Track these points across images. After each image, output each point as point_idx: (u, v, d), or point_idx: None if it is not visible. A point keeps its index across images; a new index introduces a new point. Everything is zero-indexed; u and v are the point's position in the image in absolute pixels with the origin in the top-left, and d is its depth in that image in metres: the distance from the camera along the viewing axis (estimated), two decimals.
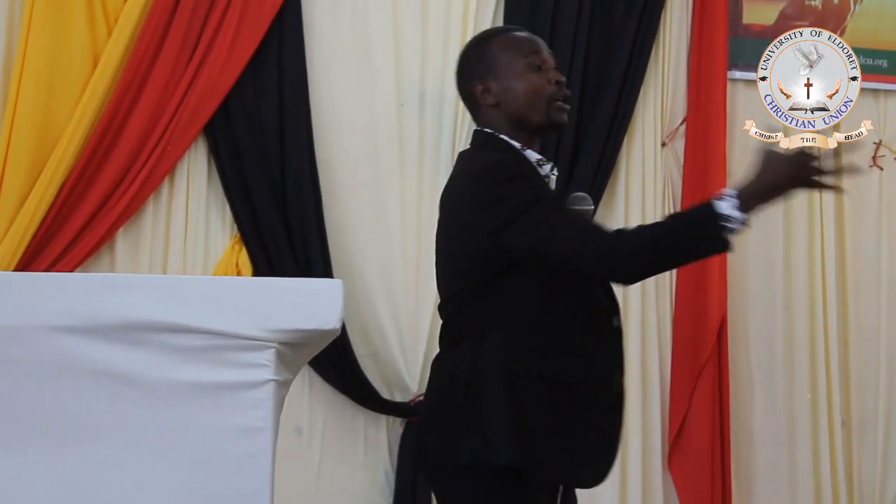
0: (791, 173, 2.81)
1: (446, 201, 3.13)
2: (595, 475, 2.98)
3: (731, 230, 2.79)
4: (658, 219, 3.03)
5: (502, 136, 3.07)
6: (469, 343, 3.00)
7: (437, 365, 3.17)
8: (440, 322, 3.18)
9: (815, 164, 2.82)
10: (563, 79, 3.09)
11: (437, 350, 5.57)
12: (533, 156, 3.06)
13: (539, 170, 3.05)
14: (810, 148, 2.85)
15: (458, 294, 3.08)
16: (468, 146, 3.18)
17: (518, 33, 3.17)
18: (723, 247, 2.83)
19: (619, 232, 2.87)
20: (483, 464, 2.91)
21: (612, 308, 3.07)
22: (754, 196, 2.80)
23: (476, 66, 3.12)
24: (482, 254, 2.96)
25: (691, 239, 2.86)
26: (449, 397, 3.00)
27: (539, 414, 2.91)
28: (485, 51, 3.12)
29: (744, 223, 2.79)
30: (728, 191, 2.80)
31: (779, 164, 2.82)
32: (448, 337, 3.14)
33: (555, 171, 3.11)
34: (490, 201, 2.91)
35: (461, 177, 3.08)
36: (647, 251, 2.85)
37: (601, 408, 3.00)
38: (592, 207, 3.04)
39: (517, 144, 3.06)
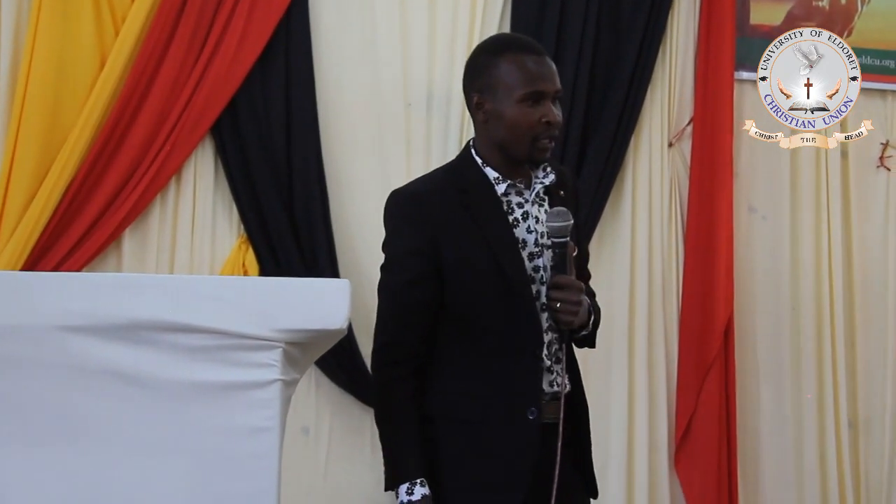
0: None
1: None
2: None
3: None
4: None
5: (473, 149, 3.16)
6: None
7: None
8: None
9: None
10: (557, 119, 3.08)
11: None
12: (491, 173, 3.11)
13: (496, 186, 3.09)
14: None
15: None
16: None
17: (529, 54, 3.11)
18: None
19: (388, 367, 3.15)
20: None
21: (534, 343, 3.08)
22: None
23: (479, 78, 3.12)
24: None
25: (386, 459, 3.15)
26: None
27: (436, 459, 3.06)
28: (490, 64, 3.10)
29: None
30: (418, 492, 3.02)
31: None
32: None
33: (543, 181, 3.14)
34: (385, 228, 3.22)
35: None
36: (376, 405, 3.22)
37: (505, 444, 3.04)
38: (570, 222, 3.03)
39: (479, 160, 3.13)
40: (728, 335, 5.83)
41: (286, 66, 5.42)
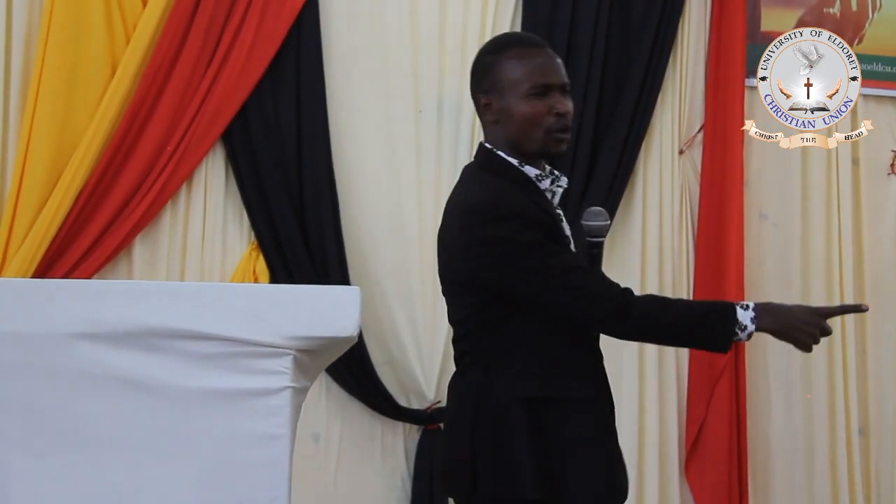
0: (801, 330, 2.96)
1: (443, 233, 3.12)
2: (617, 494, 3.02)
3: (738, 336, 2.90)
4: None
5: (500, 152, 3.04)
6: (480, 369, 3.01)
7: (452, 389, 3.17)
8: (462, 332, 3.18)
9: (818, 336, 2.99)
10: (567, 109, 3.03)
11: (453, 356, 5.58)
12: (531, 171, 3.03)
13: (538, 184, 3.03)
14: (829, 328, 3.00)
15: (463, 321, 3.09)
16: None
17: (532, 49, 3.09)
18: (723, 350, 2.94)
19: (626, 294, 2.91)
20: (507, 497, 2.92)
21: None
22: (771, 320, 2.92)
23: (484, 78, 3.08)
24: (482, 288, 2.96)
25: (700, 333, 2.94)
26: (463, 423, 3.00)
27: (559, 439, 2.91)
28: (494, 63, 3.06)
29: (749, 336, 2.92)
30: (750, 303, 2.90)
31: (800, 318, 2.96)
32: (460, 362, 3.15)
33: (560, 184, 3.09)
34: (480, 241, 2.91)
35: (455, 212, 3.07)
36: (654, 328, 2.94)
37: (609, 426, 3.04)
38: (608, 222, 3.01)
39: (514, 161, 3.03)
40: (738, 343, 5.81)
41: (297, 72, 5.43)
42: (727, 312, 2.88)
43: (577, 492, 2.91)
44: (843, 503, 5.93)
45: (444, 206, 5.63)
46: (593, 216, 3.01)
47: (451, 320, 3.17)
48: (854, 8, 6.16)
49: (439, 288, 5.31)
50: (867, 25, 6.16)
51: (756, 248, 6.00)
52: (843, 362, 5.96)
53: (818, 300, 5.97)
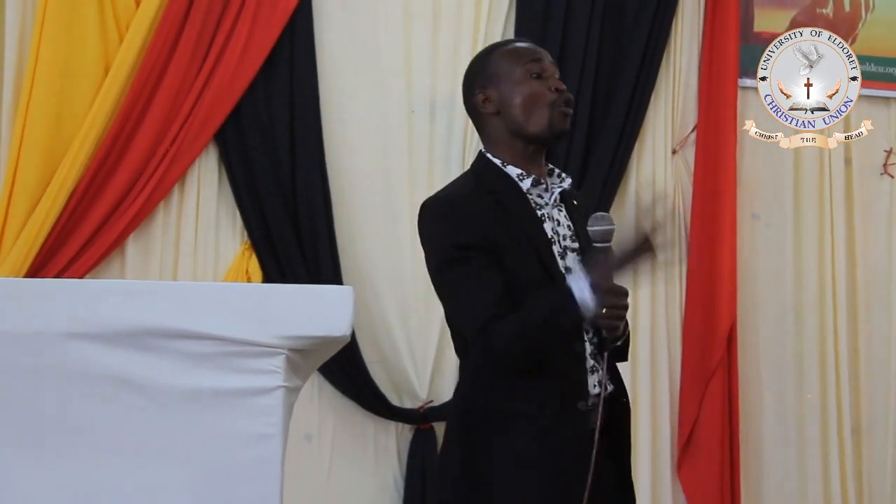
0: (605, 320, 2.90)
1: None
2: None
3: (576, 309, 2.84)
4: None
5: (489, 154, 3.10)
6: (462, 371, 3.09)
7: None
8: (449, 329, 3.20)
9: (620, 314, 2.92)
10: (564, 87, 3.09)
11: (445, 356, 5.63)
12: (513, 171, 3.06)
13: (519, 184, 3.06)
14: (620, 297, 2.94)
15: (451, 329, 3.14)
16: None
17: (519, 44, 3.19)
18: (573, 324, 2.89)
19: (493, 316, 2.87)
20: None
21: (576, 338, 3.04)
22: (599, 280, 2.87)
23: (478, 77, 3.13)
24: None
25: (550, 325, 2.90)
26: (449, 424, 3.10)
27: (488, 454, 2.93)
28: (486, 62, 3.14)
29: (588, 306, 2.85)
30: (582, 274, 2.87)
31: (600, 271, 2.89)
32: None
33: (562, 185, 3.12)
34: (426, 239, 3.02)
35: None
36: (515, 340, 2.89)
37: (562, 439, 2.96)
38: (613, 227, 3.02)
39: (498, 161, 3.07)
40: (731, 341, 5.83)
41: (290, 73, 5.43)
42: (561, 293, 2.87)
43: None
44: (835, 501, 5.95)
45: None
46: (598, 221, 3.01)
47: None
48: (847, 8, 6.17)
49: (431, 288, 5.33)
50: (860, 26, 6.18)
51: (749, 248, 6.01)
52: (835, 361, 5.98)
53: (811, 300, 6.00)
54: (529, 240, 3.01)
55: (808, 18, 6.10)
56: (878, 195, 6.18)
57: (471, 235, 2.92)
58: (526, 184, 3.06)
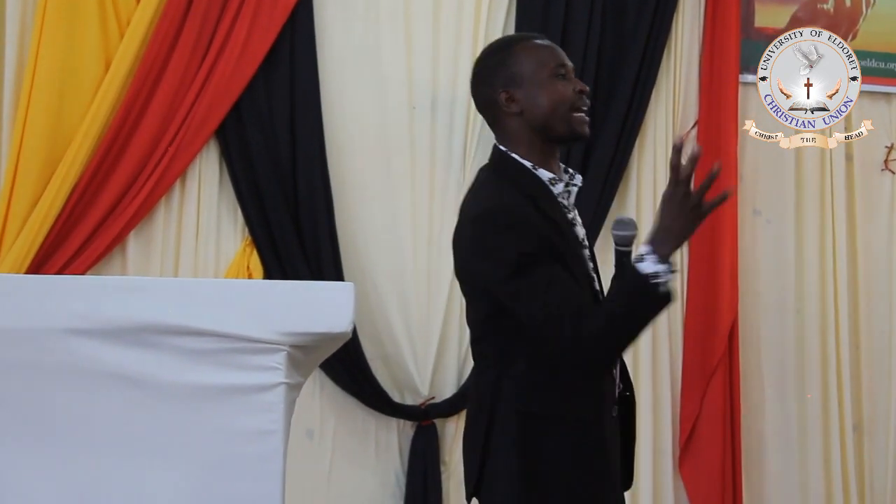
0: (678, 212, 2.85)
1: (456, 239, 3.09)
2: None
3: (665, 282, 2.80)
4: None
5: (514, 155, 3.03)
6: (493, 374, 2.99)
7: (473, 386, 3.20)
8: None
9: (689, 192, 2.87)
10: (587, 88, 3.06)
11: (447, 352, 5.61)
12: (545, 175, 3.02)
13: (552, 188, 3.02)
14: (681, 178, 2.87)
15: (480, 323, 3.06)
16: (487, 160, 3.15)
17: (539, 41, 3.11)
18: (666, 301, 2.84)
19: (578, 319, 2.83)
20: None
21: None
22: (665, 243, 2.82)
23: (498, 74, 3.05)
24: (486, 298, 2.95)
25: (637, 310, 2.85)
26: (479, 426, 3.00)
27: (547, 456, 2.91)
28: (507, 58, 3.06)
29: (671, 271, 2.81)
30: (642, 248, 2.81)
31: (669, 209, 2.85)
32: (477, 362, 3.13)
33: (575, 182, 3.09)
34: (487, 250, 2.90)
35: (467, 216, 3.03)
36: (607, 338, 2.85)
37: (603, 448, 2.99)
38: (635, 233, 3.02)
39: (528, 164, 3.02)
40: (732, 338, 5.82)
41: (291, 69, 5.42)
42: (639, 281, 2.80)
43: None
44: (836, 498, 5.94)
45: (437, 200, 5.68)
46: (622, 227, 3.02)
47: (468, 320, 3.14)
48: (848, 4, 6.16)
49: (433, 283, 5.33)
50: (861, 21, 6.16)
51: (750, 244, 6.00)
52: (836, 358, 5.97)
53: (812, 297, 5.99)
54: (571, 245, 3.02)
55: (808, 14, 6.09)
56: (880, 191, 6.17)
57: (536, 242, 2.88)
58: (558, 188, 3.03)
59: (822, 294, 6.01)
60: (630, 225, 3.02)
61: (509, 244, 2.86)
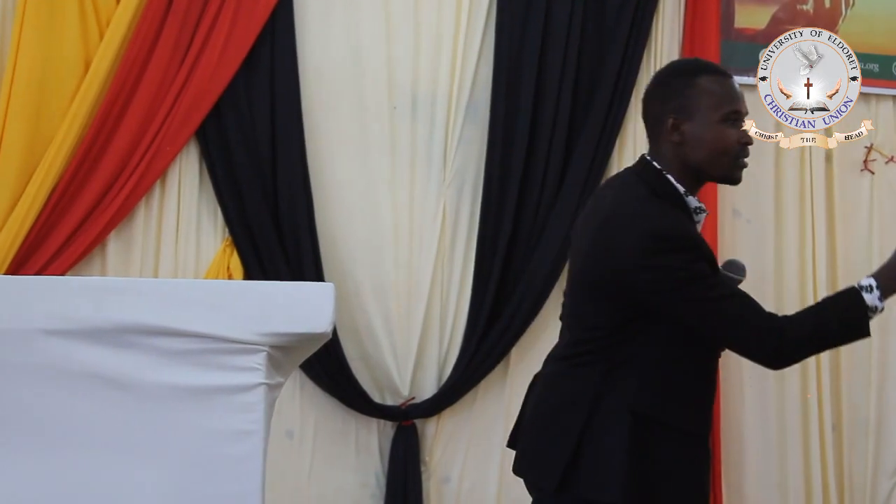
0: None
1: (597, 236, 3.03)
2: None
3: (871, 318, 2.94)
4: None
5: (669, 176, 3.03)
6: (594, 373, 2.99)
7: (555, 382, 3.14)
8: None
9: None
10: (752, 141, 3.08)
11: (427, 353, 5.59)
12: (693, 202, 3.04)
13: (695, 217, 3.05)
14: None
15: (592, 323, 3.04)
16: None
17: (724, 76, 3.12)
18: (866, 336, 2.96)
19: (779, 325, 2.93)
20: (593, 501, 2.93)
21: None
22: (891, 285, 2.96)
23: (675, 98, 3.05)
24: (627, 302, 2.95)
25: (843, 334, 2.98)
26: (570, 422, 2.99)
27: (659, 463, 2.93)
28: (687, 87, 3.06)
29: (881, 310, 2.95)
30: (868, 281, 2.96)
31: None
32: (570, 357, 3.10)
33: (705, 212, 3.11)
34: (655, 266, 2.89)
35: (613, 219, 3.01)
36: (806, 347, 2.98)
37: (707, 457, 3.07)
38: (744, 278, 3.08)
39: (681, 189, 3.03)
40: None
41: (271, 69, 5.42)
42: (860, 310, 2.94)
43: None
44: (815, 498, 5.95)
45: (417, 201, 5.66)
46: (732, 269, 3.15)
47: (570, 316, 3.15)
48: (827, 5, 6.18)
49: (413, 283, 5.31)
50: (840, 22, 6.18)
51: (730, 245, 6.00)
52: (816, 359, 5.97)
53: (791, 296, 6.00)
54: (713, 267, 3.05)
55: (788, 15, 6.11)
56: (859, 191, 6.18)
57: (710, 260, 2.96)
58: (700, 218, 3.07)
59: (802, 294, 6.02)
60: (741, 270, 3.12)
61: (686, 263, 2.90)
